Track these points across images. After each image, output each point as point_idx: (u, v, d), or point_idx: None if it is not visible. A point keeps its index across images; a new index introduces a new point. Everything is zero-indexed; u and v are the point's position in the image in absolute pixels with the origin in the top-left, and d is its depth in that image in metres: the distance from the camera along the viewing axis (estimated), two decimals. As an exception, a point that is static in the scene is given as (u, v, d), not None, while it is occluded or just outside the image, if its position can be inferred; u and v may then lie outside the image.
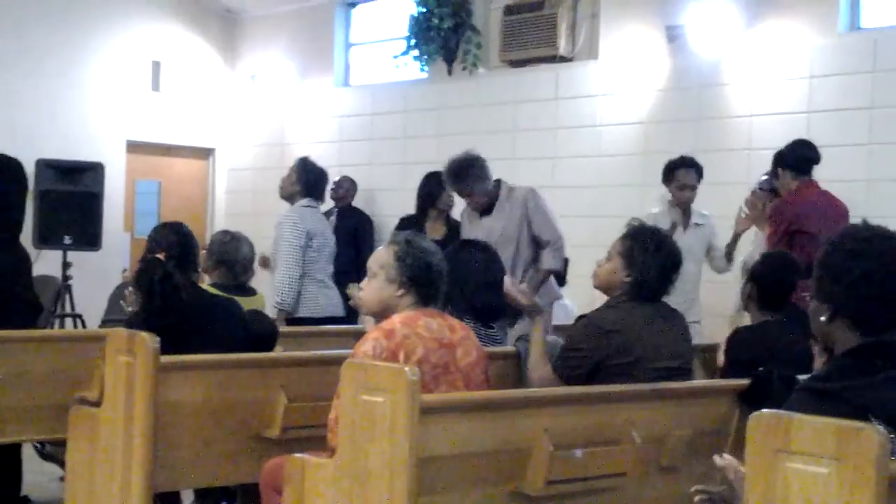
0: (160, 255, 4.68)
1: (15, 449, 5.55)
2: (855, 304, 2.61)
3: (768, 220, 6.21)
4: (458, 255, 4.52)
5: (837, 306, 2.64)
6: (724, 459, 2.76)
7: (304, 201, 7.11)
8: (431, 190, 7.89)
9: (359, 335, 3.96)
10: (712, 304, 7.07)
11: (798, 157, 6.23)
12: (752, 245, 6.68)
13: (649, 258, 4.08)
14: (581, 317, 4.16)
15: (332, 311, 6.98)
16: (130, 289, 5.14)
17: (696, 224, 6.78)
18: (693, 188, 6.71)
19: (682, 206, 6.75)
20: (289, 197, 7.23)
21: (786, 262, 5.01)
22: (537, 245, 6.29)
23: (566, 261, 7.66)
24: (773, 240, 6.05)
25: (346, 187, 9.62)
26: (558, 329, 5.71)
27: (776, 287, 4.85)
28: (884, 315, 2.62)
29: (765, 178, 6.67)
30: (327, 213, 9.28)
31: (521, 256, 6.29)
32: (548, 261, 6.27)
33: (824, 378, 2.59)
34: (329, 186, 9.47)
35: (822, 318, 2.66)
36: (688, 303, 6.21)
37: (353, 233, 9.05)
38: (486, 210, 6.38)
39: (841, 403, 2.47)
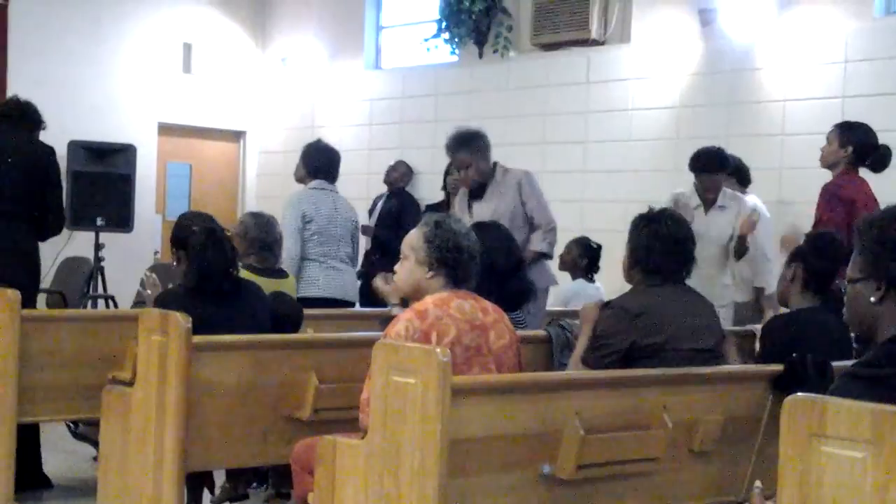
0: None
1: (33, 429, 5.58)
2: None
3: None
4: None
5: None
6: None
7: (313, 183, 7.05)
8: None
9: (382, 319, 3.93)
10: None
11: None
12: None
13: (641, 237, 4.08)
14: (605, 304, 4.14)
15: (336, 293, 6.76)
16: (148, 273, 5.20)
17: (720, 206, 6.57)
18: (715, 190, 6.57)
19: None
20: (301, 181, 7.17)
21: (835, 243, 4.81)
22: (532, 227, 6.19)
23: (598, 247, 7.60)
24: None
25: (401, 171, 9.75)
26: (550, 315, 5.61)
27: (824, 268, 4.66)
28: None
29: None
30: (378, 198, 9.35)
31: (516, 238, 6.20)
32: (537, 243, 6.13)
33: (870, 364, 2.52)
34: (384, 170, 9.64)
35: (873, 299, 2.59)
36: (710, 285, 6.03)
37: (396, 217, 9.04)
38: (476, 194, 6.29)
39: (888, 390, 2.41)
